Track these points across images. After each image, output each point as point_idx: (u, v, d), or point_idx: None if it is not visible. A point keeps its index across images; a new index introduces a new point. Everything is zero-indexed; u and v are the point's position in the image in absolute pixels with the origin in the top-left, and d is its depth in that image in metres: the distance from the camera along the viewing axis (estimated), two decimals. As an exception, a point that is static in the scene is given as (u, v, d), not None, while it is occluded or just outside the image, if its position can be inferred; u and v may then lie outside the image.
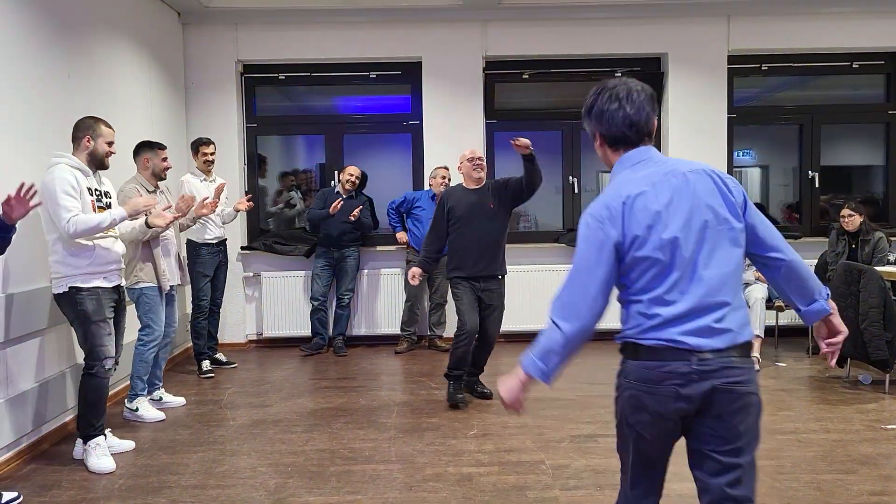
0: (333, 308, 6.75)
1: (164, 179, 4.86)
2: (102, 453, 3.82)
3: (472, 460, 3.83)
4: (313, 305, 6.62)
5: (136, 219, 4.12)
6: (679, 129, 6.98)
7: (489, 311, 4.89)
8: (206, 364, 5.85)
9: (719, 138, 6.98)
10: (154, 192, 4.70)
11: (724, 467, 1.97)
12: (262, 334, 7.02)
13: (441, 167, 6.62)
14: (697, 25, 6.92)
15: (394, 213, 6.77)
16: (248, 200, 5.91)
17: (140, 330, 4.64)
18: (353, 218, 6.33)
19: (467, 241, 4.83)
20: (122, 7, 5.45)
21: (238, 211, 5.91)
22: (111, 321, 3.89)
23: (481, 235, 4.82)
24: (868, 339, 4.84)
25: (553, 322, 2.01)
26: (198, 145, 5.74)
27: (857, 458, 3.76)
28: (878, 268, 5.67)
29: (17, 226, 3.27)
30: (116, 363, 4.06)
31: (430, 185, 6.69)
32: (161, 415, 4.69)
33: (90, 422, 3.83)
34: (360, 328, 7.00)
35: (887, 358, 4.81)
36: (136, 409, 4.65)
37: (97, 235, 3.82)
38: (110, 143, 3.96)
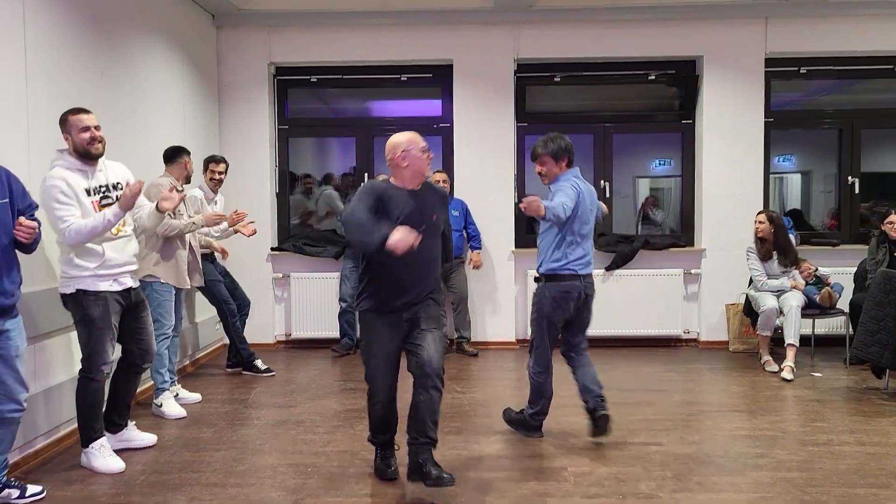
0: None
1: (189, 182, 5.05)
2: (108, 453, 3.78)
3: (493, 465, 3.79)
4: (342, 307, 6.63)
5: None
6: (714, 134, 6.85)
7: (420, 335, 3.42)
8: (259, 363, 5.85)
9: (755, 143, 6.82)
10: (181, 190, 4.74)
11: (582, 329, 4.29)
12: (290, 335, 7.05)
13: (439, 171, 6.55)
14: (734, 27, 6.79)
15: None
16: (251, 223, 5.51)
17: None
18: None
19: (404, 265, 3.31)
20: (156, 8, 5.52)
21: (237, 232, 5.55)
22: (115, 326, 3.76)
23: (425, 255, 3.41)
24: (907, 350, 4.69)
25: (553, 213, 3.88)
26: (208, 162, 5.59)
27: (892, 471, 3.63)
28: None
29: (41, 231, 3.29)
30: (149, 362, 4.07)
31: None
32: (182, 412, 4.73)
33: (91, 425, 3.77)
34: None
35: (927, 369, 4.66)
36: (161, 405, 4.71)
37: (106, 237, 3.68)
38: (85, 129, 3.62)
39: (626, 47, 6.87)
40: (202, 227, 4.95)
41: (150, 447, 4.08)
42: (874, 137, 7.23)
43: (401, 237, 3.11)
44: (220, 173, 5.56)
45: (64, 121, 3.67)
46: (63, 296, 3.72)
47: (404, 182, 3.48)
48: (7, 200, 3.10)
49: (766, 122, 6.86)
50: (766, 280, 5.90)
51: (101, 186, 3.73)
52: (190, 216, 4.91)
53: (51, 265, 4.03)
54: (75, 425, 4.21)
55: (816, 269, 6.05)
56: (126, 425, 4.08)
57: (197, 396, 5.10)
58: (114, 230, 3.70)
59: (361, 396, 5.13)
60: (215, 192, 5.60)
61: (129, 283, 3.86)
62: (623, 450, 4.00)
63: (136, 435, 4.11)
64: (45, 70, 4.03)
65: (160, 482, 3.57)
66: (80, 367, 3.77)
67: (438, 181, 6.35)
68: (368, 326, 3.54)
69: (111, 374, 3.89)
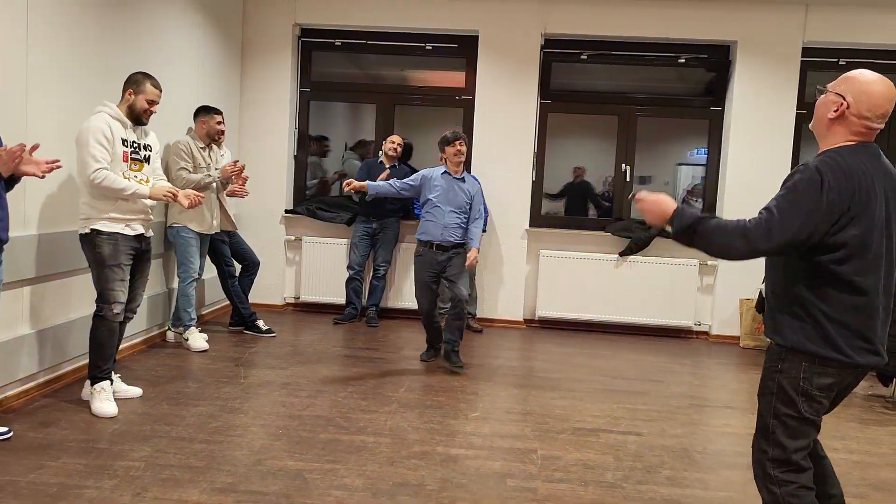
0: (370, 278, 6.76)
1: (214, 141, 5.42)
2: (106, 398, 3.91)
3: (463, 442, 3.75)
4: (349, 274, 6.64)
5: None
6: (742, 123, 6.62)
7: None
8: (261, 323, 5.92)
9: (785, 135, 6.57)
10: (204, 148, 5.30)
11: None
12: (299, 298, 7.08)
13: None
14: (772, 13, 6.52)
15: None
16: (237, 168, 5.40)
17: (178, 268, 5.22)
18: None
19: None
20: (176, -37, 5.51)
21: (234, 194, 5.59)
22: (126, 268, 3.93)
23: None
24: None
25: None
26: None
27: (872, 482, 3.49)
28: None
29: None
30: (133, 311, 4.14)
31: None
32: (206, 346, 5.33)
33: (97, 363, 3.92)
34: (395, 301, 6.98)
35: (934, 381, 4.46)
36: (188, 339, 5.32)
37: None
38: (151, 102, 4.00)
39: (658, 28, 6.66)
40: (218, 178, 5.28)
41: (134, 398, 4.15)
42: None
43: None
44: (217, 123, 5.45)
45: (137, 81, 3.96)
46: (80, 237, 3.94)
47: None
48: None
49: (797, 115, 6.61)
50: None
51: (134, 142, 4.00)
52: (209, 173, 5.23)
53: (68, 208, 4.22)
54: (69, 369, 4.37)
55: None
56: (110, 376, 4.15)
57: (204, 344, 5.42)
58: (137, 179, 3.96)
59: (354, 364, 5.19)
60: (219, 145, 5.60)
61: (142, 230, 4.05)
62: (600, 437, 3.93)
63: (121, 387, 4.17)
64: (47, 20, 4.03)
65: (131, 432, 3.62)
66: (95, 306, 3.96)
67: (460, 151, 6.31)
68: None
69: (122, 316, 4.00)
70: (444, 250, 5.07)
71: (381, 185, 5.24)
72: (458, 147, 5.11)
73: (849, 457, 3.82)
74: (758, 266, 6.12)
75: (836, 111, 2.27)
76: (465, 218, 5.14)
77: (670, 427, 4.16)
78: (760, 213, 2.22)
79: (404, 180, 5.24)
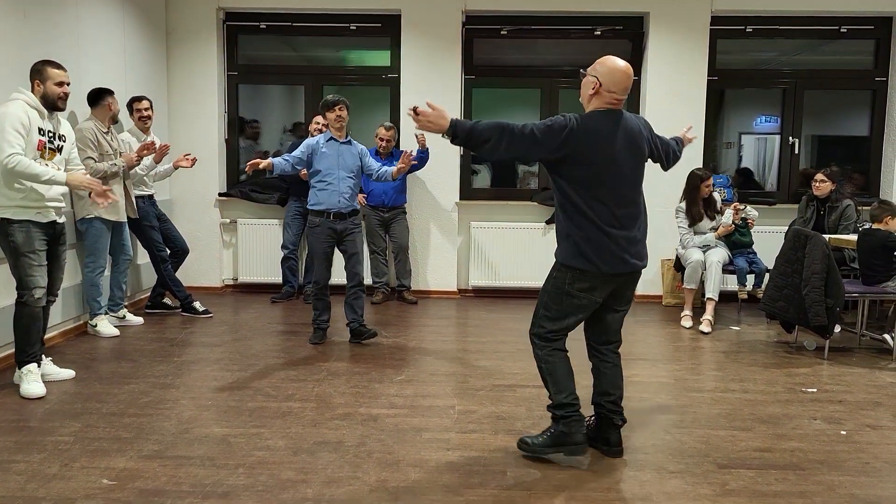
0: (305, 256, 6.90)
1: (116, 123, 5.44)
2: (34, 379, 4.00)
3: (385, 403, 3.95)
4: (284, 253, 6.77)
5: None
6: (657, 91, 6.90)
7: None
8: (197, 304, 6.03)
9: (697, 102, 6.88)
10: (107, 132, 5.22)
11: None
12: (237, 279, 7.20)
13: (384, 126, 6.64)
14: (681, -16, 6.80)
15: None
16: (189, 158, 5.77)
17: (86, 257, 5.19)
18: (304, 178, 6.40)
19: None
20: (91, -49, 5.52)
21: (177, 168, 5.85)
22: (42, 254, 4.01)
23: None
24: (808, 305, 4.83)
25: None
26: (131, 103, 5.69)
27: (760, 416, 3.80)
28: (841, 235, 5.64)
29: None
30: (55, 295, 4.24)
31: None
32: (116, 331, 5.34)
33: (23, 348, 4.02)
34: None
35: (826, 324, 4.81)
36: (96, 326, 5.30)
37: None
38: (60, 84, 4.06)
39: (574, 2, 6.87)
40: (123, 167, 5.24)
41: (66, 380, 4.25)
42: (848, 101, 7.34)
43: None
44: (145, 110, 5.65)
45: (39, 71, 4.03)
46: None
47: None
48: None
49: (709, 81, 6.91)
50: (692, 237, 6.02)
51: (50, 131, 4.07)
52: (115, 162, 5.19)
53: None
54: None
55: (745, 207, 6.11)
56: (39, 359, 4.24)
57: (140, 320, 5.71)
58: (48, 164, 4.01)
59: (288, 339, 5.35)
60: (146, 132, 5.70)
61: (54, 217, 4.13)
62: (516, 392, 4.17)
63: (53, 370, 4.27)
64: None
65: (62, 411, 3.74)
66: (16, 294, 4.04)
67: (384, 138, 6.43)
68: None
69: (44, 300, 4.09)
70: (342, 218, 5.08)
71: (281, 162, 5.02)
72: (339, 112, 5.07)
73: (743, 396, 4.14)
74: (676, 230, 6.47)
75: (593, 89, 3.04)
76: (358, 182, 5.20)
77: (583, 379, 4.37)
78: (523, 129, 2.95)
79: (294, 153, 5.08)
